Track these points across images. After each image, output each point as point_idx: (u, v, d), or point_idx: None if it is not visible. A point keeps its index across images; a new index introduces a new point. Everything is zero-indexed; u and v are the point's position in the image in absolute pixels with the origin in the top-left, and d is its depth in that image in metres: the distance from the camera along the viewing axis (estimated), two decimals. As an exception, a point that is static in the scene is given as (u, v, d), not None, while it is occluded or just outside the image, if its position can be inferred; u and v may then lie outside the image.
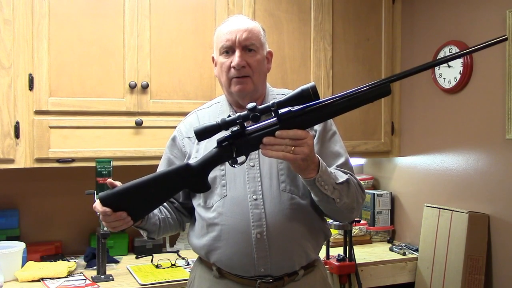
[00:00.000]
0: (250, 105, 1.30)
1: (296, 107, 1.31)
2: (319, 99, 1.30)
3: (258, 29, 1.61)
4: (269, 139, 1.30)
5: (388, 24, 2.86)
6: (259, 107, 1.31)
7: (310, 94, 1.28)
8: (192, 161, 1.59)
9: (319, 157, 1.39)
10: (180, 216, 1.69)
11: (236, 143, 1.34)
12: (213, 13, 2.45)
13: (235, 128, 1.33)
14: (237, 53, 1.54)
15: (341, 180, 1.46)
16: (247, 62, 1.55)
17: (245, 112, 1.31)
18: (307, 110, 1.31)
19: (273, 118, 1.32)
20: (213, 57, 1.67)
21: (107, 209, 1.37)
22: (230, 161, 1.36)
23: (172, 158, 1.69)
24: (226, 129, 1.33)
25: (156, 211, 1.58)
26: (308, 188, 1.49)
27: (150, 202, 1.42)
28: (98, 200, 1.40)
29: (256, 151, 1.56)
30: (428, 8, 2.74)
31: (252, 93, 1.58)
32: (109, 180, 1.44)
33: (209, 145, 1.59)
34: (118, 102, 2.30)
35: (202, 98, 2.41)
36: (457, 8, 2.55)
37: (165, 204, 1.64)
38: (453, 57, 1.35)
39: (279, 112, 1.30)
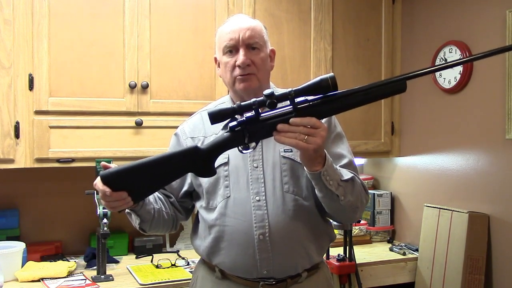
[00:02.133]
0: (267, 91, 1.29)
1: (312, 97, 1.30)
2: (337, 91, 1.29)
3: (260, 27, 1.61)
4: (284, 125, 1.28)
5: (388, 24, 2.86)
6: (277, 93, 1.29)
7: (329, 84, 1.27)
8: None
9: (326, 152, 1.39)
10: (175, 212, 1.66)
11: (249, 128, 1.32)
12: (213, 13, 2.45)
13: (249, 114, 1.31)
14: (241, 51, 1.54)
15: (346, 177, 1.45)
16: (252, 60, 1.54)
17: (262, 97, 1.29)
18: (323, 100, 1.30)
19: (288, 106, 1.31)
20: (215, 58, 1.66)
21: (107, 189, 1.32)
22: (241, 147, 1.34)
23: None
24: (241, 114, 1.31)
25: (152, 199, 1.54)
26: (311, 189, 1.49)
27: (153, 183, 1.37)
28: (99, 178, 1.34)
29: (259, 150, 1.56)
30: (428, 8, 2.74)
31: (257, 90, 1.57)
32: (103, 163, 1.39)
33: None
34: (118, 102, 2.30)
35: (202, 98, 2.41)
36: (457, 8, 2.55)
37: (160, 197, 1.62)
38: (479, 57, 1.31)
39: (295, 101, 1.29)
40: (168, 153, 1.38)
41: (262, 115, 1.32)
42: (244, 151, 1.35)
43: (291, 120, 1.28)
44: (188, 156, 1.35)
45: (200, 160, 1.35)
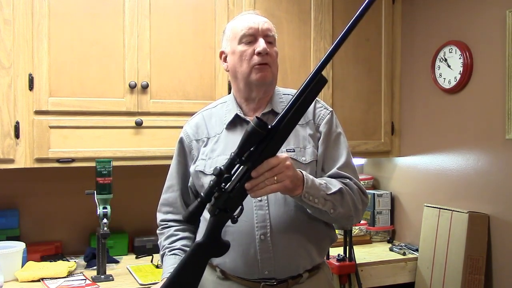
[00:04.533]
0: (215, 171, 1.29)
1: (254, 146, 1.30)
2: (268, 127, 1.28)
3: (271, 24, 1.64)
4: (250, 183, 1.30)
5: (388, 24, 2.86)
6: (223, 167, 1.29)
7: (257, 130, 1.26)
8: (199, 163, 1.61)
9: (303, 172, 1.39)
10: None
11: (225, 205, 1.33)
12: (213, 13, 2.45)
13: (216, 195, 1.33)
14: (261, 40, 1.55)
15: (333, 190, 1.45)
16: (268, 52, 1.56)
17: (215, 178, 1.30)
18: (265, 143, 1.30)
19: (241, 167, 1.32)
20: (221, 52, 1.66)
21: None
22: (231, 220, 1.35)
23: (183, 161, 1.69)
24: (210, 200, 1.33)
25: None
26: None
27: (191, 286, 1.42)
28: None
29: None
30: (428, 8, 2.74)
31: (269, 84, 1.58)
32: None
33: (216, 146, 1.60)
34: (118, 102, 2.30)
35: (202, 98, 2.41)
36: (457, 8, 2.55)
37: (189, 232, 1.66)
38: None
39: (243, 159, 1.30)
40: (181, 263, 1.40)
41: (226, 187, 1.32)
42: (237, 220, 1.36)
43: (252, 174, 1.29)
44: (198, 254, 1.39)
45: (208, 251, 1.39)
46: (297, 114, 1.32)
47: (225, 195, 1.32)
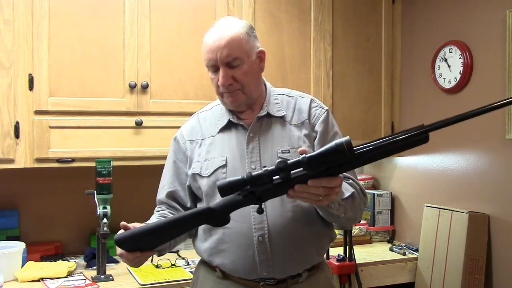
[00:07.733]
0: (281, 163, 1.23)
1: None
2: (353, 153, 1.20)
3: (239, 37, 1.52)
4: (302, 187, 1.24)
5: (388, 24, 2.86)
6: (289, 164, 1.23)
7: (345, 149, 1.18)
8: (195, 165, 1.60)
9: None
10: None
11: (259, 191, 1.28)
12: (213, 13, 2.45)
13: (261, 182, 1.27)
14: (221, 72, 1.51)
15: (346, 195, 1.45)
16: (234, 77, 1.51)
17: (274, 167, 1.24)
18: (340, 164, 1.22)
19: (300, 169, 1.25)
20: None
21: (120, 250, 1.40)
22: (257, 210, 1.31)
23: (178, 162, 1.68)
24: (252, 185, 1.27)
25: None
26: None
27: (167, 240, 1.45)
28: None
29: None
30: (428, 8, 2.74)
31: (246, 101, 1.57)
32: (123, 222, 1.42)
33: (211, 148, 1.59)
34: (118, 102, 2.30)
35: (202, 98, 2.41)
36: (457, 8, 2.55)
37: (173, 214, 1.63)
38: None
39: (309, 165, 1.22)
40: (183, 215, 1.39)
41: (274, 178, 1.27)
42: (259, 213, 1.33)
43: (309, 182, 1.23)
44: (203, 216, 1.37)
45: (214, 219, 1.37)
46: (382, 154, 1.24)
47: (269, 185, 1.27)
